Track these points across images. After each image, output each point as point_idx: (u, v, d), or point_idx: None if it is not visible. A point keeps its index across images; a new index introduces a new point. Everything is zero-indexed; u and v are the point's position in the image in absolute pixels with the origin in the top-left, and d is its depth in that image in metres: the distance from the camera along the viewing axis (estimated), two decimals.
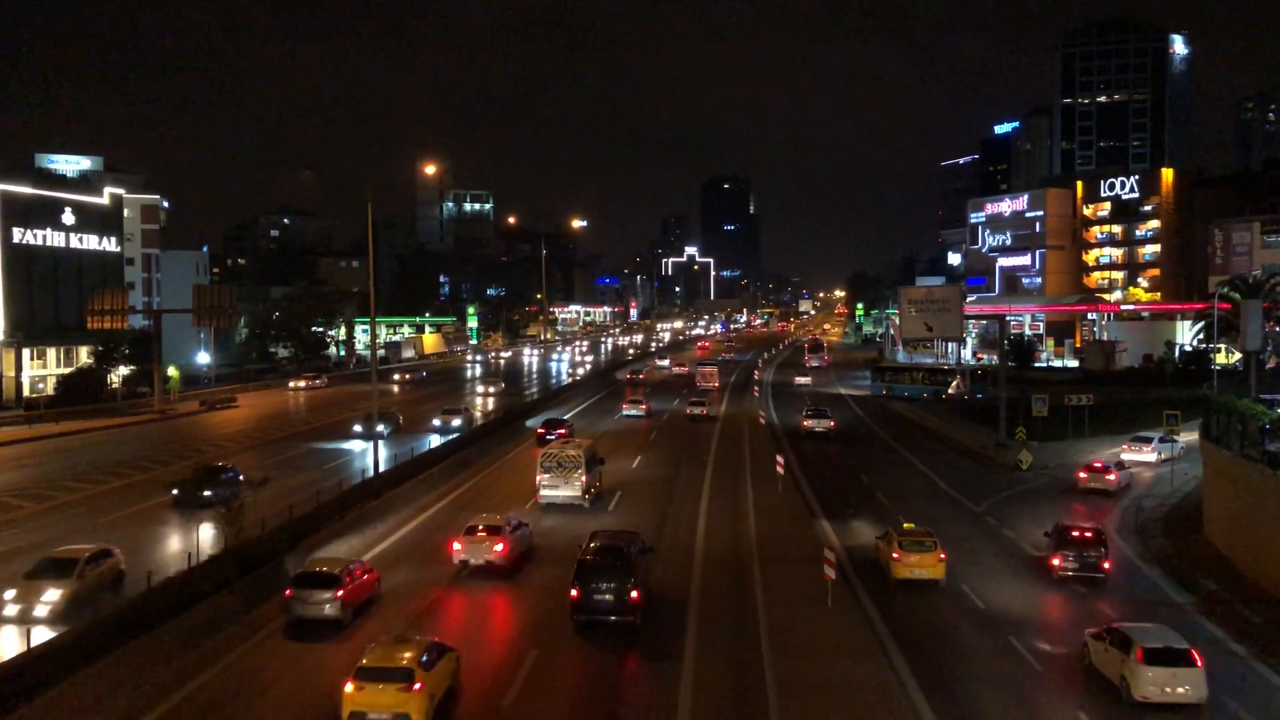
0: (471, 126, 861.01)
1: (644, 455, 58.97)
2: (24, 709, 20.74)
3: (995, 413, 64.84)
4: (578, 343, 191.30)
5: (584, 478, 43.55)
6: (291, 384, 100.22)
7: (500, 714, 22.62)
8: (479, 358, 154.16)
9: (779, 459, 50.70)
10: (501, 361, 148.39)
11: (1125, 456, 56.33)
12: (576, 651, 26.40)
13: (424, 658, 22.15)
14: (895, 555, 33.56)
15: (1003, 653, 27.51)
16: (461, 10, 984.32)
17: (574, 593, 27.51)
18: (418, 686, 21.39)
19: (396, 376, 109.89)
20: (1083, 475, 50.22)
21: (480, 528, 33.95)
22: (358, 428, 62.73)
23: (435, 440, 58.81)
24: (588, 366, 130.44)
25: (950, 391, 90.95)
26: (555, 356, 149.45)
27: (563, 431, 60.41)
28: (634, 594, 27.45)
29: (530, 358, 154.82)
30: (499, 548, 33.05)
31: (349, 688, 21.41)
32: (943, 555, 33.73)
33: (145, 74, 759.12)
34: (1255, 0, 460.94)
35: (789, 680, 23.91)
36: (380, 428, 56.70)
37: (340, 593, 27.62)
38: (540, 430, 61.51)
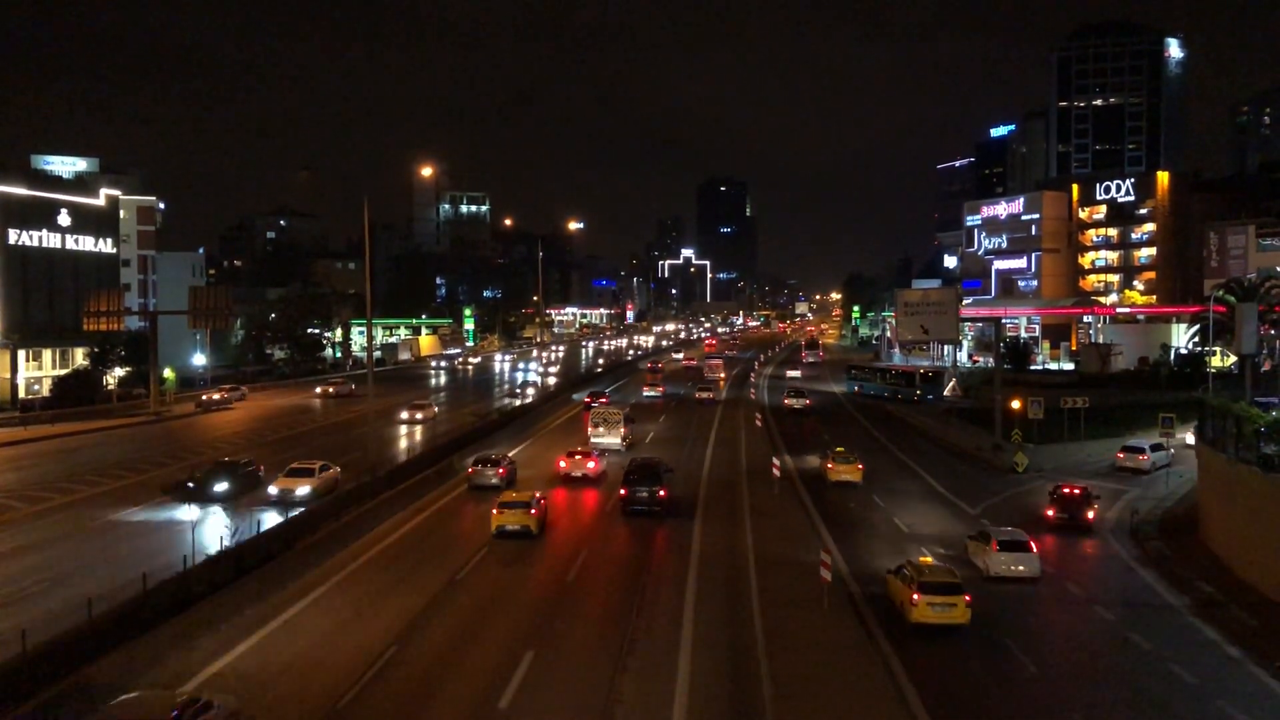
0: (468, 128, 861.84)
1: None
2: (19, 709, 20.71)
3: (982, 414, 66.05)
4: (554, 349, 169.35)
5: (623, 429, 61.99)
6: (204, 396, 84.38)
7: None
8: (443, 364, 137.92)
9: (775, 462, 51.11)
10: (470, 368, 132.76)
11: (1186, 438, 57.14)
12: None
13: (534, 498, 39.60)
14: (830, 465, 52.64)
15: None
16: (457, 12, 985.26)
17: (623, 492, 43.44)
18: (534, 511, 38.53)
19: (319, 389, 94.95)
20: (1120, 455, 55.98)
21: (578, 453, 52.07)
22: (191, 484, 44.49)
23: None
24: (551, 380, 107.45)
25: (946, 393, 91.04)
26: (523, 366, 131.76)
27: (604, 400, 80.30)
28: (662, 492, 43.07)
29: (502, 363, 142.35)
30: (591, 465, 51.04)
31: (495, 512, 38.48)
32: (860, 466, 52.28)
33: (141, 75, 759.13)
34: (1250, 5, 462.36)
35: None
36: (219, 485, 43.94)
37: (500, 470, 48.05)
38: (587, 399, 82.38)
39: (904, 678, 25.37)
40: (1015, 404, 64.28)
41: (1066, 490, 43.57)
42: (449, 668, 25.18)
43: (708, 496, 47.52)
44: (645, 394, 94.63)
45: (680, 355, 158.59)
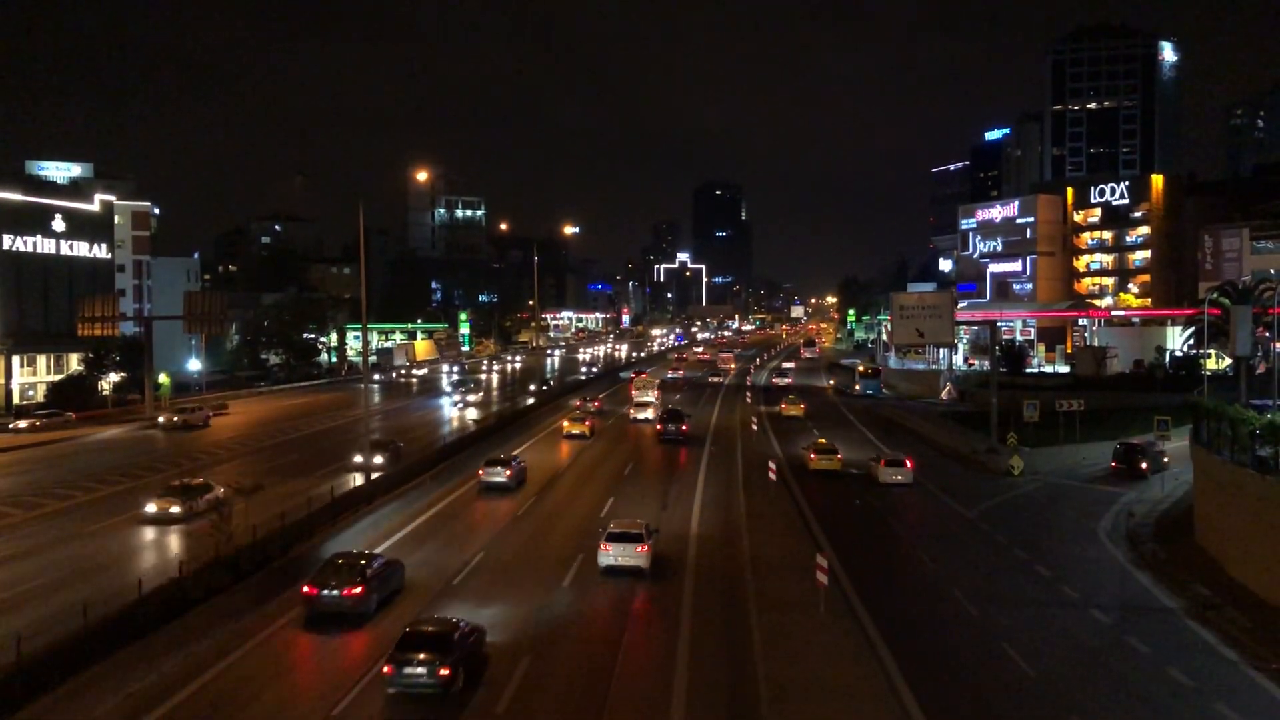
0: (463, 132, 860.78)
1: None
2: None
3: (978, 417, 65.93)
4: (510, 359, 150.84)
5: (656, 392, 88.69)
6: (12, 425, 69.89)
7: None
8: (381, 378, 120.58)
9: (771, 465, 51.51)
10: (413, 381, 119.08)
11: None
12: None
13: (589, 417, 72.71)
14: (783, 406, 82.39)
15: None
16: (452, 17, 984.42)
17: (658, 426, 70.61)
18: (588, 424, 70.10)
19: (163, 419, 72.57)
20: None
21: (641, 403, 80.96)
22: None
23: None
24: (472, 419, 78.27)
25: (943, 397, 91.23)
26: (450, 397, 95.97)
27: (644, 375, 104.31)
28: (684, 427, 68.77)
29: (446, 374, 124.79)
30: (649, 412, 78.14)
31: (565, 423, 71.14)
32: (803, 405, 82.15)
33: (135, 80, 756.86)
34: (1243, 8, 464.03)
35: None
36: None
37: (596, 403, 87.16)
38: (634, 375, 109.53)
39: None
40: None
41: (1128, 445, 56.16)
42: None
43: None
44: (669, 375, 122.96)
45: (700, 349, 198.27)
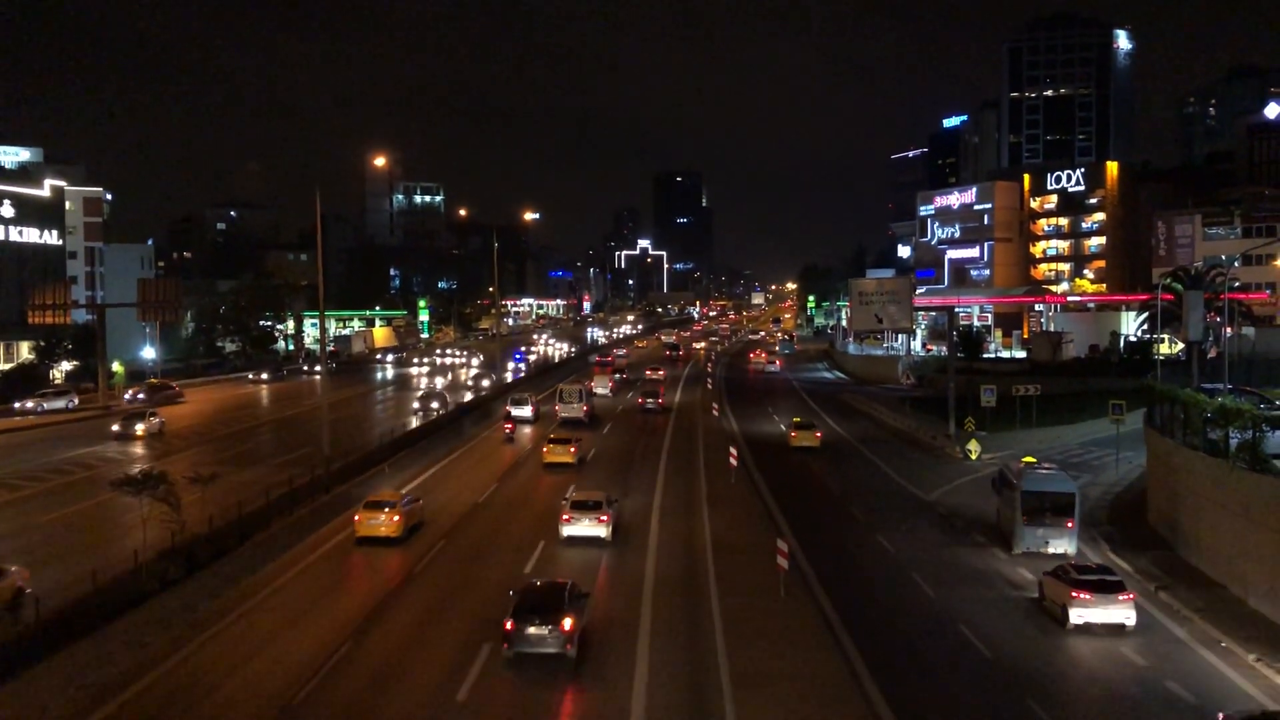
0: (421, 119, 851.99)
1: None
2: None
3: (936, 402, 66.72)
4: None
5: (675, 337, 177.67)
6: None
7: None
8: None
9: (733, 450, 51.81)
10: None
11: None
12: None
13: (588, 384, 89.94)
14: (754, 355, 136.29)
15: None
16: (408, 5, 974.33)
17: (666, 352, 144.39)
18: (590, 384, 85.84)
19: None
20: None
21: (675, 334, 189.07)
22: None
23: None
24: None
25: (903, 382, 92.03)
26: None
27: (671, 330, 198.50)
28: (682, 351, 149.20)
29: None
30: (675, 340, 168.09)
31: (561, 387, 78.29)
32: (767, 356, 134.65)
33: (86, 64, 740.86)
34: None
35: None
36: None
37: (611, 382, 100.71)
38: (660, 335, 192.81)
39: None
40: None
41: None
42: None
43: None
44: (681, 336, 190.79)
45: (704, 324, 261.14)
